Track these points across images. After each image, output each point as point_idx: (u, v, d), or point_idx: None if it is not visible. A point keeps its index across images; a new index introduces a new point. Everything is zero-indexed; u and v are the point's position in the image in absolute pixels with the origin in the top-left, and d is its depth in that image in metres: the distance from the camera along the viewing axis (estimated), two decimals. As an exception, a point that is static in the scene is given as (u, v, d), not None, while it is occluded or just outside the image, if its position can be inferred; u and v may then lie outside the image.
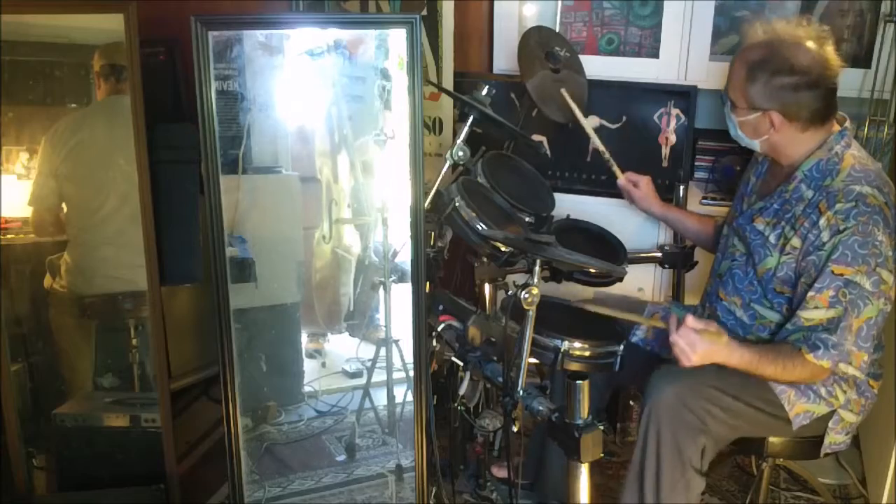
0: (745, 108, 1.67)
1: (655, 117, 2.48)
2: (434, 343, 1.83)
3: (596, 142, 2.21)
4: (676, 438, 1.64)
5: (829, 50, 1.61)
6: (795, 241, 1.64)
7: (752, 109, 1.66)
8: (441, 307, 1.88)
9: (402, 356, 2.36)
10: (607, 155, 2.18)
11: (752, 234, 1.75)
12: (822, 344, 1.57)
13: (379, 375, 2.44)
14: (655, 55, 2.51)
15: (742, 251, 1.80)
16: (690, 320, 1.56)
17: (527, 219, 1.97)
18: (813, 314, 1.60)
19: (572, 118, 2.26)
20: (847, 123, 1.71)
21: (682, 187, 2.41)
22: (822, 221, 1.59)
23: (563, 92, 2.22)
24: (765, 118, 1.66)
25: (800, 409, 1.69)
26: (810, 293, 1.59)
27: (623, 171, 2.18)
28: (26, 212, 2.09)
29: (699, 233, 2.12)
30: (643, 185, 2.15)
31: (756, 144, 1.74)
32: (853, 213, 1.56)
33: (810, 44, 1.61)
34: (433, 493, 1.96)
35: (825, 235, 1.59)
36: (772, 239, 1.70)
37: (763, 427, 1.73)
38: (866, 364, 1.62)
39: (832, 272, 1.57)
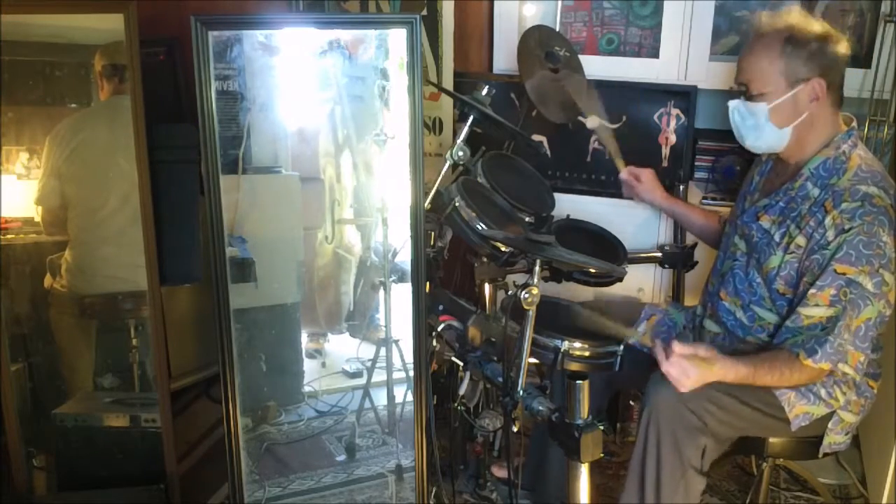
0: (784, 87, 1.64)
1: (655, 117, 2.47)
2: (434, 343, 1.83)
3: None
4: (676, 438, 1.64)
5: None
6: (800, 240, 1.64)
7: (793, 84, 1.63)
8: (441, 307, 1.88)
9: (402, 356, 2.36)
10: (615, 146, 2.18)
11: (758, 233, 1.74)
12: (819, 347, 1.57)
13: (379, 375, 2.44)
14: (655, 55, 2.51)
15: (743, 250, 1.79)
16: (678, 348, 1.54)
17: (527, 219, 1.97)
18: (813, 311, 1.59)
19: (573, 117, 2.26)
20: (854, 124, 1.71)
21: (682, 187, 2.42)
22: (828, 220, 1.59)
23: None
24: (807, 88, 1.63)
25: (799, 410, 1.69)
26: (811, 290, 1.59)
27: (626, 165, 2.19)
28: (26, 212, 2.09)
29: (704, 227, 2.11)
30: (646, 178, 2.14)
31: (786, 135, 1.68)
32: (859, 213, 1.56)
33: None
34: (433, 493, 1.96)
35: (830, 234, 1.58)
36: (776, 237, 1.69)
37: (763, 428, 1.73)
38: (862, 365, 1.61)
39: (835, 271, 1.57)
